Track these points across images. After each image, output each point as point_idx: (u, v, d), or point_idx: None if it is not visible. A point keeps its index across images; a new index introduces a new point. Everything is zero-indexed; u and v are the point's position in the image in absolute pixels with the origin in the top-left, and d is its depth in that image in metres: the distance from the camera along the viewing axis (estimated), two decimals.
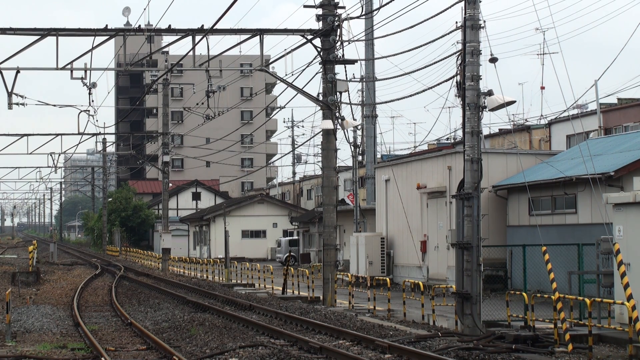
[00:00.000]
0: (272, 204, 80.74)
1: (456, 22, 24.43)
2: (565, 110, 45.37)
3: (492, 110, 22.85)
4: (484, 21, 22.56)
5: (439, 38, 34.05)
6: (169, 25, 31.91)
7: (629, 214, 19.95)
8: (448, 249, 35.35)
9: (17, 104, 34.25)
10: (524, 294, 22.25)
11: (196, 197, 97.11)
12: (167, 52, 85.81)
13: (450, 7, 24.13)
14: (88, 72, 31.70)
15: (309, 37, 31.06)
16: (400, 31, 34.54)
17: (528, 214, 35.06)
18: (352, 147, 49.58)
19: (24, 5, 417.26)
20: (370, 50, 49.42)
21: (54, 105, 46.07)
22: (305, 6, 31.14)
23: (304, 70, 32.44)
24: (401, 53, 51.63)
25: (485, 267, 25.51)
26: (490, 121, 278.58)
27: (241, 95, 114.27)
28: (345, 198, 62.16)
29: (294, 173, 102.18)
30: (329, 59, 30.71)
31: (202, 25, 31.29)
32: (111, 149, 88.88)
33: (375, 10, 29.71)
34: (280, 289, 36.84)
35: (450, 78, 23.92)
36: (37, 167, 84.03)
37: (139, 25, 33.98)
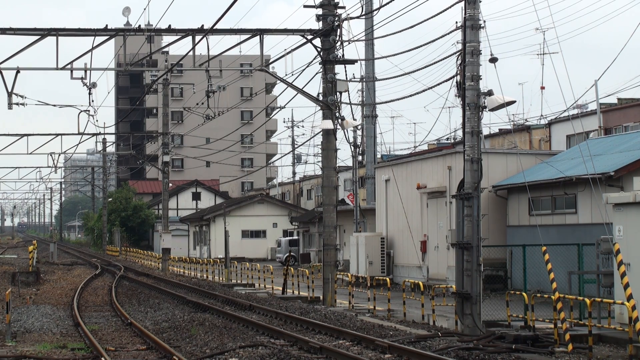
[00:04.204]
0: (272, 204, 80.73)
1: (456, 22, 24.44)
2: (565, 110, 45.41)
3: (492, 110, 22.85)
4: (484, 21, 22.58)
5: (439, 38, 34.12)
6: (169, 25, 31.93)
7: (629, 214, 19.95)
8: (448, 249, 35.35)
9: (17, 104, 34.25)
10: (524, 294, 22.24)
11: (196, 197, 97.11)
12: (167, 52, 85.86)
13: (450, 7, 24.14)
14: (88, 72, 31.71)
15: (309, 37, 31.06)
16: (400, 31, 34.52)
17: (528, 214, 35.06)
18: (352, 147, 49.61)
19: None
20: (370, 50, 49.42)
21: (54, 105, 46.15)
22: (305, 6, 31.14)
23: (304, 70, 32.47)
24: (401, 53, 51.63)
25: (485, 267, 25.50)
26: (490, 121, 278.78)
27: (241, 95, 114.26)
28: (345, 198, 62.15)
29: (294, 173, 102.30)
30: (329, 59, 30.71)
31: (202, 25, 31.31)
32: (111, 149, 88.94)
33: (375, 10, 29.71)
34: (280, 289, 36.84)
35: (450, 78, 23.93)
36: (37, 167, 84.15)
37: (139, 25, 33.98)
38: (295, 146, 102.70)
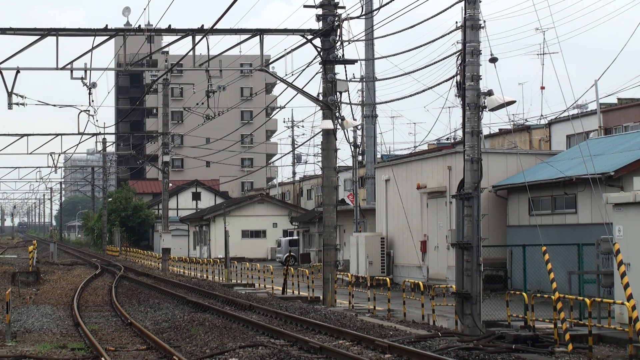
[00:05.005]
0: (272, 204, 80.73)
1: (456, 22, 24.46)
2: (565, 110, 45.43)
3: (492, 110, 22.85)
4: (484, 21, 22.58)
5: (439, 38, 34.10)
6: (169, 25, 31.91)
7: (629, 214, 19.95)
8: (448, 249, 35.35)
9: (17, 104, 34.24)
10: (524, 294, 22.25)
11: (196, 197, 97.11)
12: (167, 52, 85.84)
13: (450, 7, 24.15)
14: (88, 72, 31.70)
15: (309, 37, 31.06)
16: (400, 31, 34.55)
17: (528, 214, 35.06)
18: (352, 147, 49.60)
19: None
20: (370, 50, 49.42)
21: (54, 105, 46.14)
22: (305, 6, 31.14)
23: (304, 70, 32.47)
24: (401, 53, 51.69)
25: (485, 267, 25.50)
26: (490, 121, 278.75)
27: (241, 95, 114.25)
28: (345, 198, 62.16)
29: (294, 173, 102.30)
30: (329, 59, 30.70)
31: (202, 25, 31.30)
32: (111, 149, 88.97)
33: (375, 10, 29.71)
34: (280, 289, 36.84)
35: (450, 78, 23.93)
36: (37, 167, 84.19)
37: (139, 25, 33.99)
38: (295, 146, 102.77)
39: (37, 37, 30.81)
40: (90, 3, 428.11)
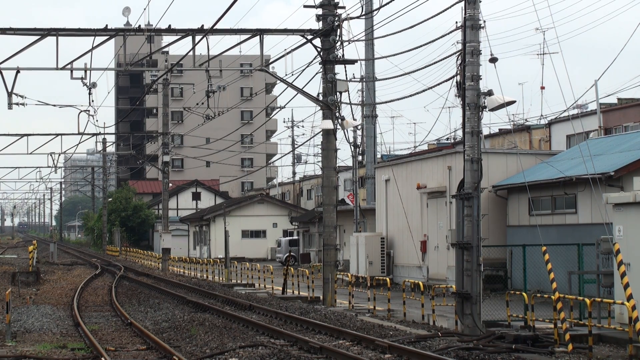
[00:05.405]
0: (272, 204, 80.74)
1: (456, 22, 24.46)
2: (565, 110, 45.43)
3: (492, 110, 22.85)
4: (484, 21, 22.58)
5: (439, 38, 34.12)
6: (169, 25, 31.91)
7: (629, 214, 19.95)
8: (448, 249, 35.35)
9: (17, 104, 34.23)
10: (524, 294, 22.25)
11: (196, 197, 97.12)
12: (167, 52, 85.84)
13: (450, 7, 24.16)
14: (88, 72, 31.70)
15: (309, 37, 31.06)
16: (400, 31, 34.53)
17: (528, 214, 35.07)
18: (352, 147, 49.61)
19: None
20: (370, 50, 49.42)
21: (54, 105, 46.15)
22: (305, 6, 31.15)
23: (304, 70, 32.47)
24: (401, 53, 51.66)
25: (485, 267, 25.50)
26: (490, 121, 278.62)
27: (241, 95, 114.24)
28: (345, 198, 62.17)
29: (294, 173, 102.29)
30: (329, 59, 30.70)
31: (202, 25, 31.30)
32: (111, 149, 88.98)
33: (375, 10, 29.72)
34: (280, 289, 36.85)
35: (450, 78, 23.93)
36: (37, 167, 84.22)
37: (139, 25, 34.00)
38: (295, 146, 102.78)
39: (37, 37, 30.81)
40: (90, 3, 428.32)
